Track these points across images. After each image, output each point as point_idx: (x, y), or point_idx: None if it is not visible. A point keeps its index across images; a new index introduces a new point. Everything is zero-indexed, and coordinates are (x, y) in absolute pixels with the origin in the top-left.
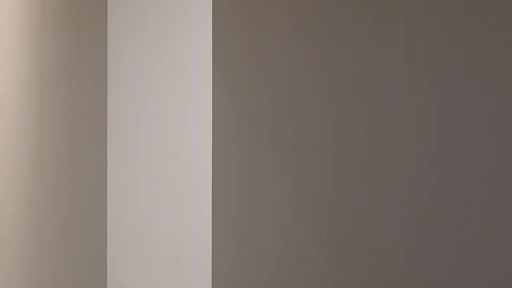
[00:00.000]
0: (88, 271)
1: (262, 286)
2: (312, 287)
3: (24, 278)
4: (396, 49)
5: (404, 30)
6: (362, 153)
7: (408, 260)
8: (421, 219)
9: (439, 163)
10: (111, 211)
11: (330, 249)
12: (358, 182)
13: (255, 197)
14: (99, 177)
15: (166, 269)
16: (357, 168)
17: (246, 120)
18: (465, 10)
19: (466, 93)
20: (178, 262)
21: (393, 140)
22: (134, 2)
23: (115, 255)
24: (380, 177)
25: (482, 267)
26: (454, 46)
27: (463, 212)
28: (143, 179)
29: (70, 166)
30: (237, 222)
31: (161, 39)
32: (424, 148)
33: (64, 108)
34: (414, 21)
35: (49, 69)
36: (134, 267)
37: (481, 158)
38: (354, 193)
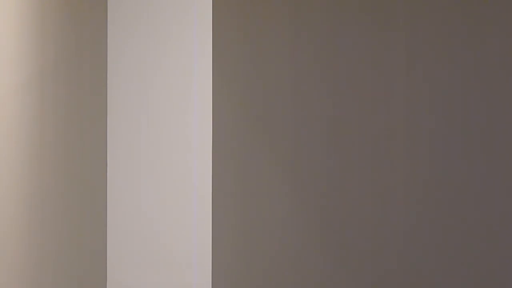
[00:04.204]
0: (88, 271)
1: (262, 286)
2: (312, 287)
3: (24, 278)
4: (396, 50)
5: (404, 31)
6: (361, 153)
7: (407, 259)
8: (420, 219)
9: (439, 164)
10: (111, 211)
11: (330, 249)
12: (358, 182)
13: (255, 197)
14: (99, 177)
15: (166, 269)
16: (357, 168)
17: (246, 120)
18: (465, 11)
19: (466, 93)
20: (178, 262)
21: (393, 140)
22: (134, 2)
23: (115, 255)
24: (380, 177)
25: (482, 267)
26: (454, 47)
27: (462, 211)
28: (143, 179)
29: (70, 166)
30: (237, 222)
31: (161, 39)
32: (424, 150)
33: (64, 108)
34: (414, 21)
35: (49, 69)
36: (134, 267)
37: (480, 159)
38: (353, 193)
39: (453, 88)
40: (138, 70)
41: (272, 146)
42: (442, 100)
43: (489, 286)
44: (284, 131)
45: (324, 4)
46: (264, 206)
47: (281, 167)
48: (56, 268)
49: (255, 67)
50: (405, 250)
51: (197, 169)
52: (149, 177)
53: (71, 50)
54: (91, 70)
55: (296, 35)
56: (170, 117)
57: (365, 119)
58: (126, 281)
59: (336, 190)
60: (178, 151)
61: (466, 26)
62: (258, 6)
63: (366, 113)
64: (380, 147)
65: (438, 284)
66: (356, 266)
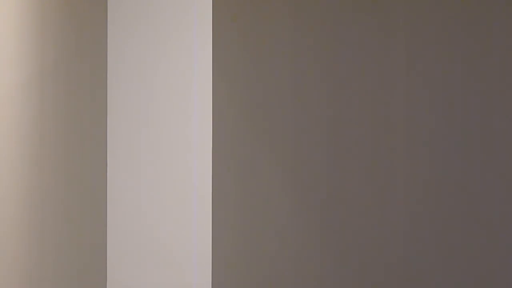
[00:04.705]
0: (88, 270)
1: (262, 286)
2: (312, 287)
3: (24, 278)
4: (396, 50)
5: (404, 31)
6: (361, 154)
7: (407, 259)
8: (420, 219)
9: (439, 164)
10: (111, 211)
11: (330, 249)
12: (358, 182)
13: (255, 197)
14: (99, 177)
15: (166, 269)
16: (357, 168)
17: (246, 120)
18: (465, 11)
19: (466, 93)
20: (178, 262)
21: (393, 140)
22: (134, 2)
23: (115, 254)
24: (380, 177)
25: (481, 267)
26: (454, 47)
27: (461, 211)
28: (143, 179)
29: (70, 166)
30: (237, 222)
31: (161, 39)
32: (424, 150)
33: (64, 108)
34: (414, 21)
35: (49, 69)
36: (134, 267)
37: (480, 159)
38: (353, 193)
39: (453, 88)
40: (138, 70)
41: (272, 146)
42: (442, 100)
43: (489, 286)
44: (284, 131)
45: (324, 4)
46: (264, 206)
47: (281, 167)
48: (56, 267)
49: (255, 67)
50: (405, 250)
51: (197, 169)
52: (149, 177)
53: (71, 50)
54: (91, 70)
55: (296, 35)
56: (170, 117)
57: (365, 119)
58: (126, 281)
59: (336, 190)
60: (178, 151)
61: (466, 26)
62: (258, 6)
63: (366, 113)
64: (380, 147)
65: (438, 284)
66: (356, 266)
